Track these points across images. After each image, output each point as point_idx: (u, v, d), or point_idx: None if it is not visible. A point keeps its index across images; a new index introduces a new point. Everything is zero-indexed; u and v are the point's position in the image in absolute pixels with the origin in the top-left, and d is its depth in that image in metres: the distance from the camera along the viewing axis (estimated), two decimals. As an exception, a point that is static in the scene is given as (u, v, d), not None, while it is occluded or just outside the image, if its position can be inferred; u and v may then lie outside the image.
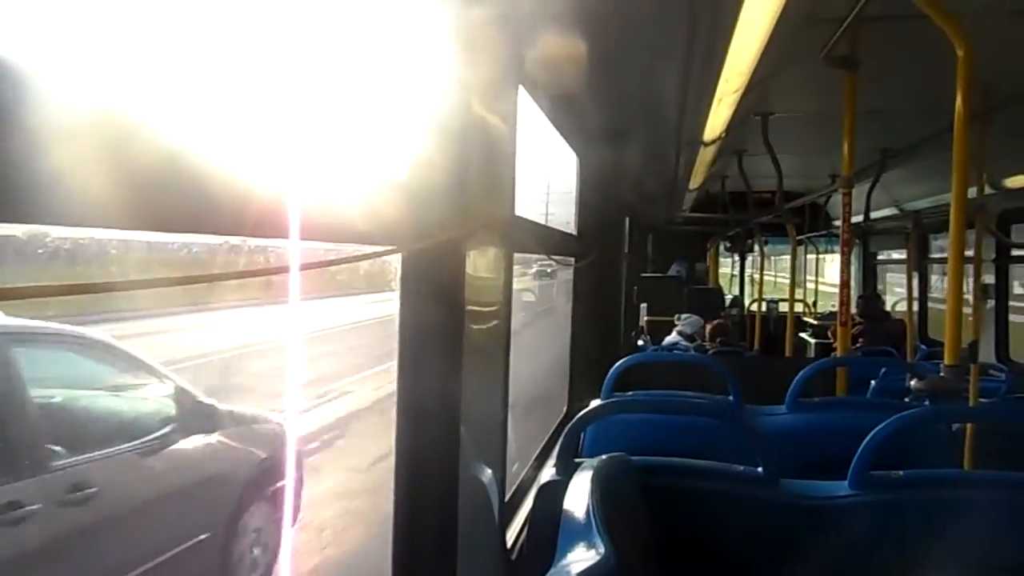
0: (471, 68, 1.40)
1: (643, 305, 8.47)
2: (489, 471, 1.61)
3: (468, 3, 1.33)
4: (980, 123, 3.11)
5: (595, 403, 2.41)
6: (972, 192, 3.44)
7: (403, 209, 1.19)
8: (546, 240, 2.42)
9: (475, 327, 1.43)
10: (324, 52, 1.13)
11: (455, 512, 1.32)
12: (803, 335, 7.62)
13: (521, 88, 1.97)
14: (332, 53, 1.16)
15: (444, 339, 1.27)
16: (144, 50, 0.88)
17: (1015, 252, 5.21)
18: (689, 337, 6.19)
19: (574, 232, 3.44)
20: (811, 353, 7.03)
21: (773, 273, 12.95)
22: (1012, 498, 1.64)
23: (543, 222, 3.57)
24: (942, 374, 2.14)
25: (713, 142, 3.56)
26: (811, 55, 2.61)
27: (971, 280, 3.67)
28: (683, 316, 6.50)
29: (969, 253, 3.57)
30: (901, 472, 1.67)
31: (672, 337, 6.42)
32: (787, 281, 5.73)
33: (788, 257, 5.73)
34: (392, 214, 1.16)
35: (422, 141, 1.25)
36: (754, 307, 7.89)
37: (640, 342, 7.24)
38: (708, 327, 5.89)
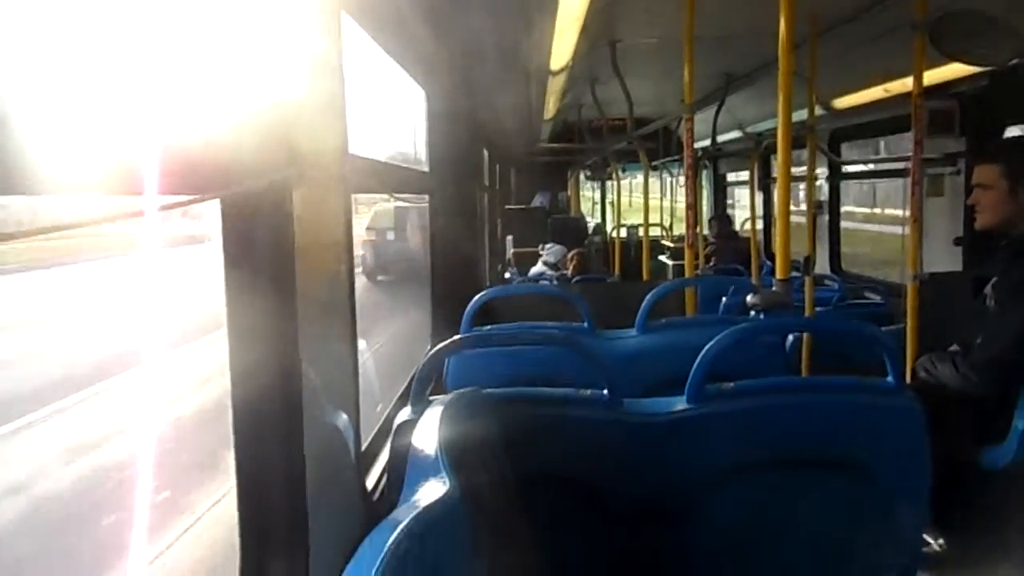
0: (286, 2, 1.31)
1: (510, 237, 8.55)
2: (344, 415, 1.59)
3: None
4: (810, 47, 3.26)
5: (455, 339, 2.42)
6: (805, 114, 3.63)
7: (219, 152, 1.11)
8: (391, 178, 2.35)
9: (313, 273, 1.38)
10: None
11: (302, 462, 1.29)
12: (662, 258, 7.92)
13: (352, 20, 1.88)
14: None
15: (274, 288, 1.21)
16: None
17: (845, 168, 5.57)
18: (553, 266, 6.32)
19: (427, 168, 3.38)
20: (670, 275, 7.31)
21: (634, 197, 13.35)
22: (833, 399, 1.77)
23: (403, 161, 3.49)
24: (774, 288, 2.27)
25: (562, 70, 3.56)
26: None
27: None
28: (547, 246, 6.60)
29: (804, 171, 3.79)
30: (732, 384, 1.77)
31: (537, 268, 6.52)
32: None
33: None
34: (206, 158, 1.08)
35: (235, 78, 1.17)
36: (616, 233, 8.11)
37: (508, 274, 7.31)
38: (570, 257, 6.00)
